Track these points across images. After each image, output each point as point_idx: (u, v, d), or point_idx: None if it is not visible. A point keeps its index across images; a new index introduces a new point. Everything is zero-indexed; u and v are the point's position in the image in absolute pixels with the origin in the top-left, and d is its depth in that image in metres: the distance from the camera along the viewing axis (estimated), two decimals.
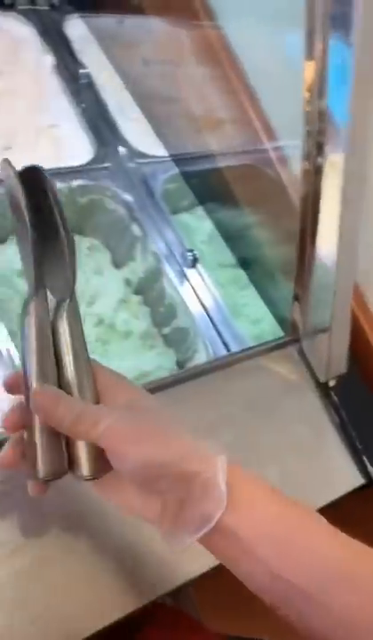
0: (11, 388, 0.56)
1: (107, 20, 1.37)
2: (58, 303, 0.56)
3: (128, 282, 1.17)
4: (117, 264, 1.19)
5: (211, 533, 0.44)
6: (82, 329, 0.58)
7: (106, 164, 1.15)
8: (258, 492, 0.46)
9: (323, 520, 0.46)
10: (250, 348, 0.91)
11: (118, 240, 1.17)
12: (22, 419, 0.52)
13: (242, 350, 0.90)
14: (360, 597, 0.41)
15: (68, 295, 0.57)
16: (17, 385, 0.55)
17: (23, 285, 0.99)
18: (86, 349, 0.56)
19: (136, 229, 1.11)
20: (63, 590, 0.61)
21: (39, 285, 0.55)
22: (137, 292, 1.16)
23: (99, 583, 0.62)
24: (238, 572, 0.45)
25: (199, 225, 1.26)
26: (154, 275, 1.09)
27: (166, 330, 1.10)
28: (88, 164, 1.14)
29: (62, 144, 1.18)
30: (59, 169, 1.10)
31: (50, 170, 1.07)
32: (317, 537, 0.45)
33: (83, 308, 1.10)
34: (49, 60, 1.26)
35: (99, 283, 1.16)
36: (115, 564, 0.64)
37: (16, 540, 0.61)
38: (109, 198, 1.13)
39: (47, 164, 1.13)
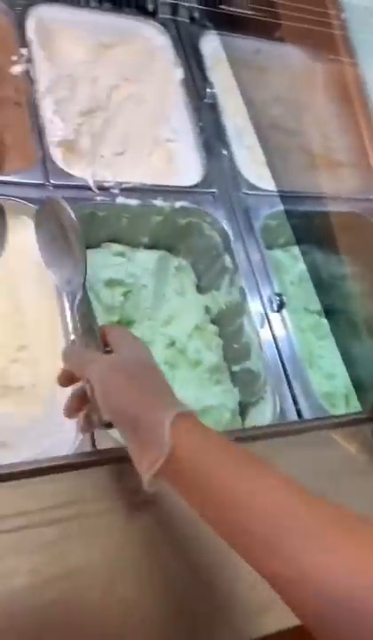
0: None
1: (244, 42, 1.35)
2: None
3: (208, 309, 1.15)
4: (201, 289, 1.18)
5: (163, 476, 0.52)
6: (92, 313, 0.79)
7: (212, 190, 1.13)
8: (202, 440, 0.54)
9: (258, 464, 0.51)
10: (323, 419, 0.87)
11: (207, 266, 1.16)
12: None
13: (315, 419, 0.87)
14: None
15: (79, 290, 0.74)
16: None
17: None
18: (93, 323, 0.72)
19: (228, 260, 1.09)
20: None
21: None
22: (214, 322, 1.14)
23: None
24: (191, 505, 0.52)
25: (291, 264, 1.23)
26: (237, 309, 1.07)
27: (236, 368, 1.07)
28: (195, 185, 1.12)
29: (174, 160, 1.18)
30: (167, 187, 1.10)
31: (158, 186, 1.08)
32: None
33: (157, 327, 1.12)
34: (179, 73, 1.26)
35: (179, 304, 1.15)
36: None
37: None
38: (208, 224, 1.11)
39: (156, 177, 1.14)
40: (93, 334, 0.69)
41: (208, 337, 1.12)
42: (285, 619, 0.56)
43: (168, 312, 1.13)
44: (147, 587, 0.62)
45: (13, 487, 0.65)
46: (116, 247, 1.11)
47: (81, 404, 0.68)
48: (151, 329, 1.11)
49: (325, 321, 1.21)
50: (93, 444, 0.80)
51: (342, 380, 1.11)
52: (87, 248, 1.09)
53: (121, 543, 0.65)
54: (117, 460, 0.71)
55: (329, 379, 1.12)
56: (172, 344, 1.10)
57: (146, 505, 0.68)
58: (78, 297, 0.73)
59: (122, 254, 1.11)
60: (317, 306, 1.22)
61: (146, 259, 1.14)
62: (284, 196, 1.16)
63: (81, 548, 0.62)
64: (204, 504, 0.51)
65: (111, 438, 0.82)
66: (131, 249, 1.14)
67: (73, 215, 0.75)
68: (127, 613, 0.60)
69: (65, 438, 0.82)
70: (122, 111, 1.23)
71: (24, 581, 0.58)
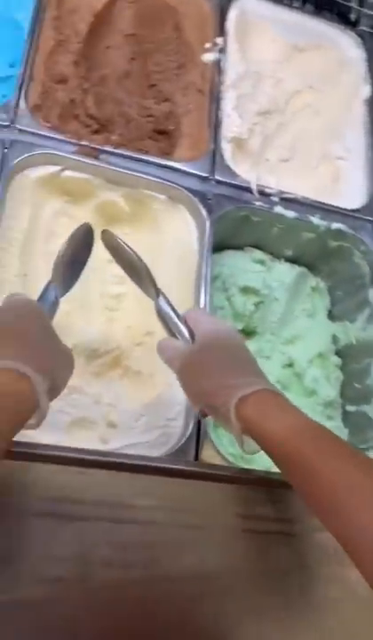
0: None
1: None
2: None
3: (335, 339, 1.10)
4: (333, 316, 1.13)
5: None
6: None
7: (372, 218, 1.07)
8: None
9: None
10: None
11: (346, 294, 1.10)
12: None
13: None
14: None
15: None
16: None
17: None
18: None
19: (371, 295, 1.03)
20: None
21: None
22: (339, 354, 1.09)
23: None
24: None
25: None
26: (369, 348, 1.01)
27: (352, 408, 1.02)
28: (356, 210, 1.07)
29: (340, 179, 1.12)
30: (327, 205, 1.05)
31: (319, 203, 1.03)
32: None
33: (278, 344, 1.08)
34: (366, 90, 1.20)
35: (307, 326, 1.10)
36: None
37: None
38: (360, 252, 1.05)
39: (318, 192, 1.09)
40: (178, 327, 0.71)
41: (329, 367, 1.07)
42: None
43: (293, 331, 1.09)
44: None
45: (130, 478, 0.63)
46: (259, 254, 1.08)
47: None
48: (271, 344, 1.07)
49: None
50: (197, 451, 0.79)
51: None
52: (230, 249, 1.08)
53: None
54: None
55: None
56: (290, 365, 1.06)
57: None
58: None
59: (262, 262, 1.08)
60: None
61: (285, 272, 1.10)
62: None
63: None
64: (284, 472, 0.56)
65: (214, 447, 0.80)
66: (272, 259, 1.10)
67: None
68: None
69: (171, 432, 0.82)
70: (297, 118, 1.18)
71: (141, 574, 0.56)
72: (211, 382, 0.62)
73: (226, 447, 0.92)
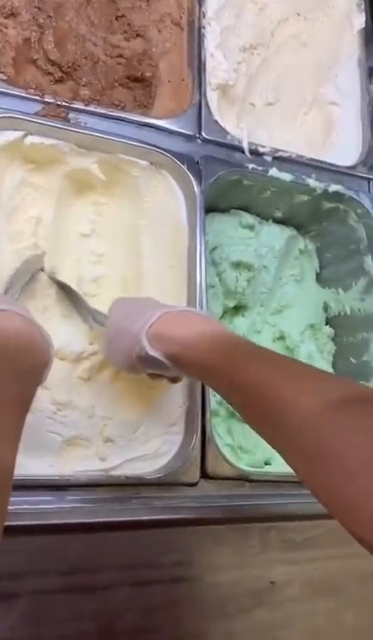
0: None
1: None
2: None
3: (327, 308, 1.03)
4: (323, 281, 1.05)
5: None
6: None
7: (370, 176, 0.97)
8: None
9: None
10: None
11: (339, 260, 1.02)
12: None
13: None
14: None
15: None
16: None
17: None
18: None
19: (369, 263, 0.96)
20: None
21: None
22: (330, 324, 1.03)
23: None
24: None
25: None
26: (366, 322, 0.95)
27: None
28: (353, 167, 0.97)
29: (333, 128, 1.01)
30: (323, 164, 0.94)
31: (315, 161, 0.93)
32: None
33: (267, 315, 1.01)
34: (360, 20, 1.06)
35: (295, 293, 1.02)
36: None
37: None
38: (356, 215, 0.96)
39: (310, 143, 0.98)
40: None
41: (322, 339, 1.01)
42: None
43: (282, 300, 1.01)
44: None
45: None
46: (247, 218, 0.97)
47: None
48: (261, 316, 1.00)
49: None
50: (203, 458, 0.72)
51: None
52: (215, 211, 0.97)
53: None
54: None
55: None
56: (281, 338, 0.99)
57: None
58: None
59: (251, 227, 0.98)
60: None
61: (274, 236, 1.00)
62: None
63: None
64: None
65: (223, 458, 0.74)
66: (261, 221, 1.00)
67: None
68: None
69: (173, 440, 0.75)
70: (283, 52, 1.04)
71: None
72: (124, 338, 0.62)
73: (224, 437, 0.87)
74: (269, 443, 0.48)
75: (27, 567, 0.48)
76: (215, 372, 0.55)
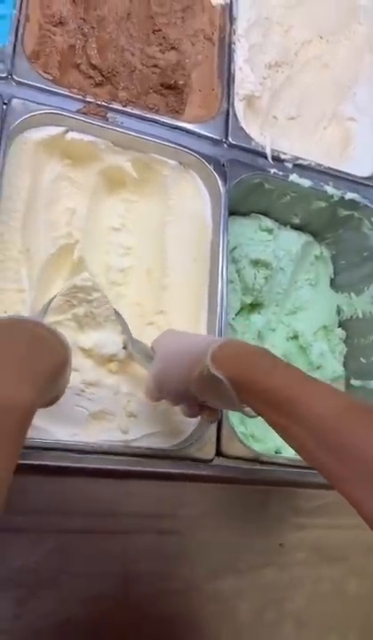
0: None
1: None
2: None
3: (340, 311, 1.08)
4: (336, 286, 1.10)
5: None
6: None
7: None
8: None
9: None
10: None
11: (352, 265, 1.07)
12: None
13: None
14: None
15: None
16: None
17: None
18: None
19: None
20: None
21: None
22: (343, 327, 1.07)
23: None
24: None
25: None
26: None
27: (357, 382, 1.01)
28: (368, 177, 1.02)
29: (351, 143, 1.07)
30: (341, 173, 1.00)
31: (333, 170, 0.98)
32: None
33: (282, 315, 1.06)
34: None
35: (310, 296, 1.07)
36: None
37: None
38: (371, 224, 1.02)
39: (329, 155, 1.04)
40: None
41: (334, 340, 1.05)
42: None
43: (297, 302, 1.06)
44: None
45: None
46: (266, 222, 1.03)
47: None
48: (276, 315, 1.04)
49: None
50: (218, 437, 0.76)
51: None
52: (236, 214, 1.02)
53: None
54: None
55: None
56: (295, 337, 1.04)
57: None
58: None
59: (269, 231, 1.03)
60: None
61: (291, 240, 1.06)
62: None
63: None
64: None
65: (237, 437, 0.78)
66: (279, 226, 1.06)
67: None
68: None
69: (190, 420, 0.78)
70: (306, 71, 1.10)
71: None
72: (183, 359, 0.65)
73: (237, 426, 0.91)
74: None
75: (52, 506, 0.52)
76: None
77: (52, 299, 0.75)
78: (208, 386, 0.61)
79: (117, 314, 0.78)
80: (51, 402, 0.60)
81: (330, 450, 0.50)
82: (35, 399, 0.49)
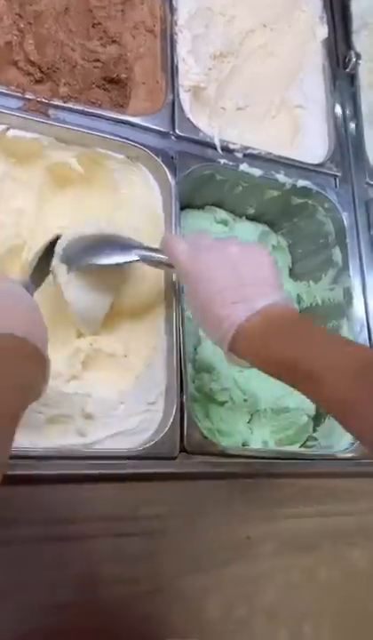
0: None
1: None
2: None
3: (300, 300, 1.07)
4: (295, 275, 1.10)
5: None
6: None
7: (336, 173, 1.03)
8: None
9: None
10: None
11: (308, 253, 1.07)
12: None
13: None
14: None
15: None
16: None
17: None
18: None
19: (337, 255, 1.01)
20: None
21: None
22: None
23: None
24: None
25: None
26: (337, 310, 0.99)
27: None
28: (319, 164, 1.02)
29: (300, 130, 1.06)
30: (292, 161, 0.99)
31: (284, 158, 0.98)
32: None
33: None
34: (323, 31, 1.13)
35: None
36: None
37: None
38: (324, 210, 1.02)
39: (279, 144, 1.03)
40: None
41: None
42: None
43: None
44: None
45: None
46: (221, 213, 1.02)
47: None
48: None
49: None
50: (182, 433, 0.75)
51: None
52: (191, 208, 1.01)
53: None
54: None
55: None
56: None
57: None
58: None
59: (225, 222, 1.02)
60: None
61: (248, 231, 1.05)
62: None
63: None
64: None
65: (201, 433, 0.77)
66: (235, 217, 1.05)
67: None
68: None
69: (153, 418, 0.77)
70: (251, 61, 1.10)
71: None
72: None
73: (201, 421, 0.90)
74: None
75: (8, 516, 0.50)
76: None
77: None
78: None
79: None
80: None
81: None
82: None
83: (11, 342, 0.53)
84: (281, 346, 0.60)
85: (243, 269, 0.66)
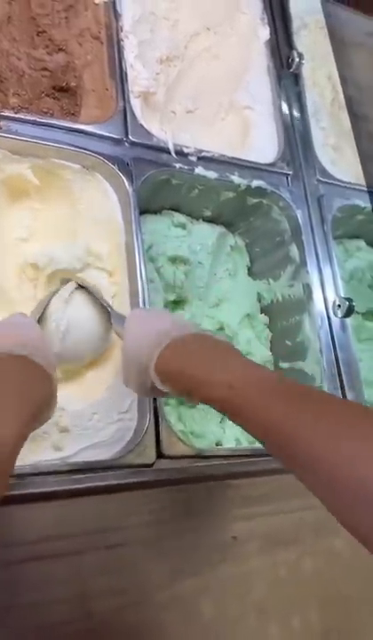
0: None
1: (359, 20, 1.22)
2: None
3: (261, 298, 1.09)
4: (253, 274, 1.12)
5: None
6: None
7: (288, 171, 1.05)
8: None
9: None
10: None
11: (268, 252, 1.09)
12: None
13: None
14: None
15: None
16: None
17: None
18: None
19: (294, 251, 1.03)
20: None
21: None
22: (265, 312, 1.09)
23: None
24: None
25: (344, 260, 1.18)
26: (297, 306, 1.02)
27: (285, 365, 1.03)
28: (271, 164, 1.04)
29: (250, 131, 1.08)
30: (245, 162, 1.01)
31: (237, 160, 0.99)
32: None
33: (206, 308, 1.06)
34: (265, 32, 1.14)
35: (230, 287, 1.08)
36: None
37: None
38: (279, 208, 1.04)
39: (231, 146, 1.05)
40: None
41: (258, 327, 1.07)
42: None
43: (219, 293, 1.07)
44: None
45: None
46: (178, 217, 1.03)
47: None
48: (200, 309, 1.04)
49: (370, 324, 1.18)
50: (158, 439, 0.75)
51: None
52: (148, 213, 1.01)
53: None
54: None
55: (367, 386, 1.09)
56: (221, 329, 1.04)
57: None
58: None
59: (183, 226, 1.03)
60: (363, 307, 1.18)
61: (205, 233, 1.06)
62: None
63: None
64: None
65: (176, 436, 0.78)
66: (192, 220, 1.06)
67: None
68: None
69: (127, 426, 0.77)
70: (197, 64, 1.11)
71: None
72: (134, 368, 0.62)
73: (175, 425, 0.90)
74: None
75: None
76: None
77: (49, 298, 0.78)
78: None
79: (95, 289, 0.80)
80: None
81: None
82: (23, 433, 0.48)
83: (21, 362, 0.55)
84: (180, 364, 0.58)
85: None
